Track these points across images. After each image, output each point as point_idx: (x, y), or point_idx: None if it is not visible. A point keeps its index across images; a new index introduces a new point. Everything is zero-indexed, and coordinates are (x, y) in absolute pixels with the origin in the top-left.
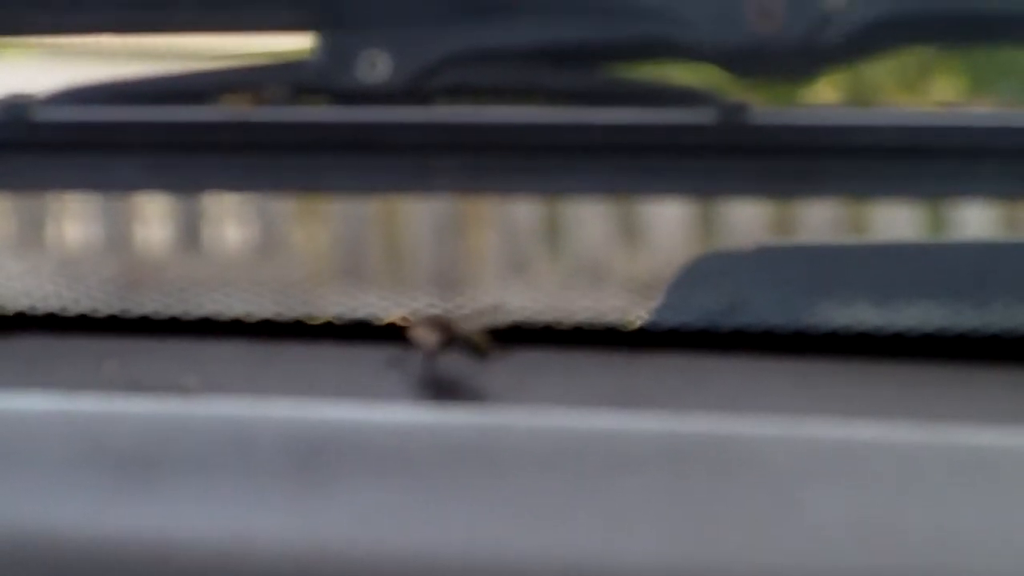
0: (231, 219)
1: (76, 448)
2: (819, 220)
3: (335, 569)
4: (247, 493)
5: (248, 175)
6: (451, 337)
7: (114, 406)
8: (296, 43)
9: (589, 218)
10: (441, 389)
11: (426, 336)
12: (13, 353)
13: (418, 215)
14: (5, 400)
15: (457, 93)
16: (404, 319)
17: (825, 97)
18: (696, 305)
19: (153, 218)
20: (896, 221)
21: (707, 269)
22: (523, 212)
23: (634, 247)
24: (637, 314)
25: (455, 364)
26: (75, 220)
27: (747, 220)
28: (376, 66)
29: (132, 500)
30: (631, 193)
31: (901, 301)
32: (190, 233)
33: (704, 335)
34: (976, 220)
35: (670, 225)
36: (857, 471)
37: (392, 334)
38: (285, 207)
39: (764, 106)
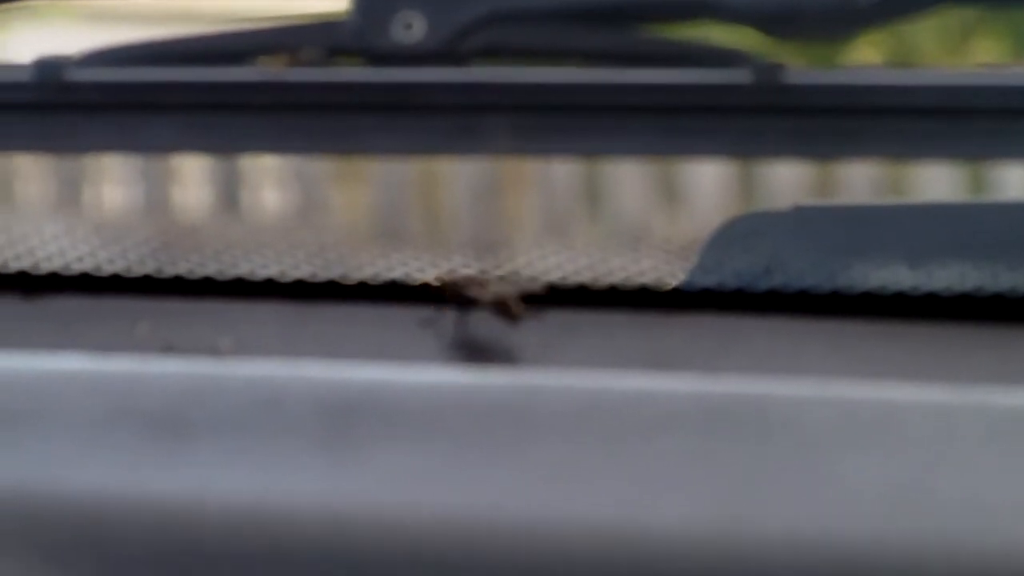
0: (266, 180)
1: (108, 409)
2: (856, 181)
3: (368, 530)
4: (279, 455)
5: (283, 136)
6: (484, 298)
7: (147, 367)
8: (331, 3)
9: (625, 179)
10: (474, 350)
11: (459, 297)
12: (46, 313)
13: (454, 176)
14: (37, 361)
15: (493, 53)
16: (438, 280)
17: (862, 58)
18: (731, 266)
19: (187, 179)
20: (934, 182)
21: (743, 230)
22: (560, 173)
23: (670, 208)
24: (672, 275)
25: (488, 325)
26: (109, 181)
27: (783, 181)
28: (411, 26)
29: (164, 462)
30: (667, 154)
31: (937, 262)
32: (225, 194)
33: (739, 296)
34: (1015, 181)
35: (706, 186)
36: (892, 434)
37: (426, 295)
38: (320, 168)
39: (800, 67)
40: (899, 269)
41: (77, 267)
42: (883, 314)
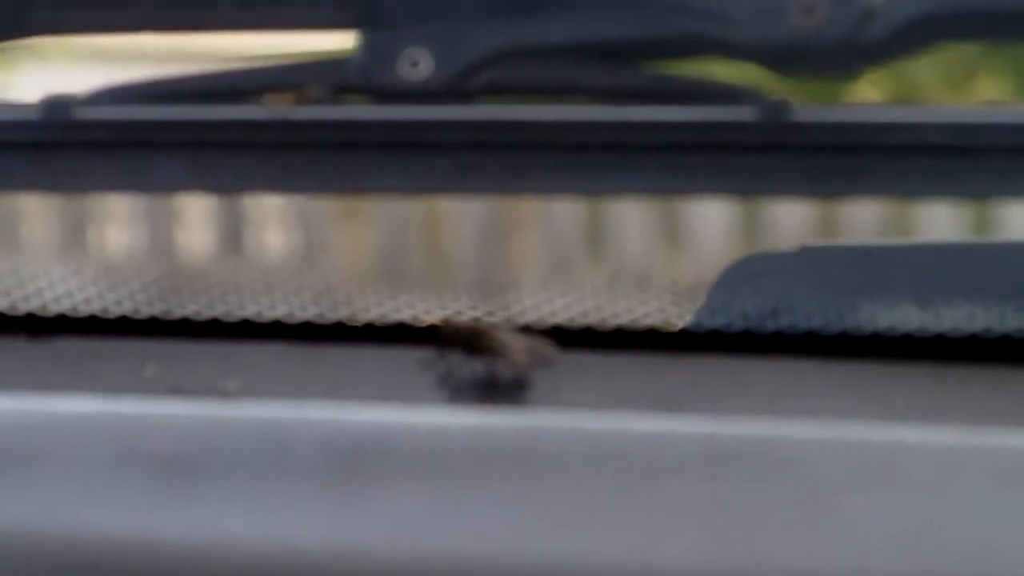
0: (272, 220)
1: (116, 452)
2: (863, 220)
3: (375, 574)
4: (287, 497)
5: (289, 175)
6: (490, 340)
7: (154, 409)
8: (337, 41)
9: (631, 219)
10: (480, 393)
11: (465, 339)
12: (54, 355)
13: (460, 216)
14: (45, 403)
15: (499, 91)
16: (444, 322)
17: (868, 95)
18: (739, 307)
19: (194, 219)
20: (941, 221)
21: (750, 270)
22: (565, 213)
23: (676, 248)
24: (679, 316)
25: (494, 367)
26: (116, 221)
27: (790, 220)
28: (418, 64)
29: (172, 504)
30: (673, 192)
31: (946, 302)
32: (231, 235)
33: (747, 337)
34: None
35: (712, 225)
36: (901, 476)
37: (432, 337)
38: (326, 208)
39: (807, 103)
40: (907, 309)
41: (84, 309)
42: (891, 355)
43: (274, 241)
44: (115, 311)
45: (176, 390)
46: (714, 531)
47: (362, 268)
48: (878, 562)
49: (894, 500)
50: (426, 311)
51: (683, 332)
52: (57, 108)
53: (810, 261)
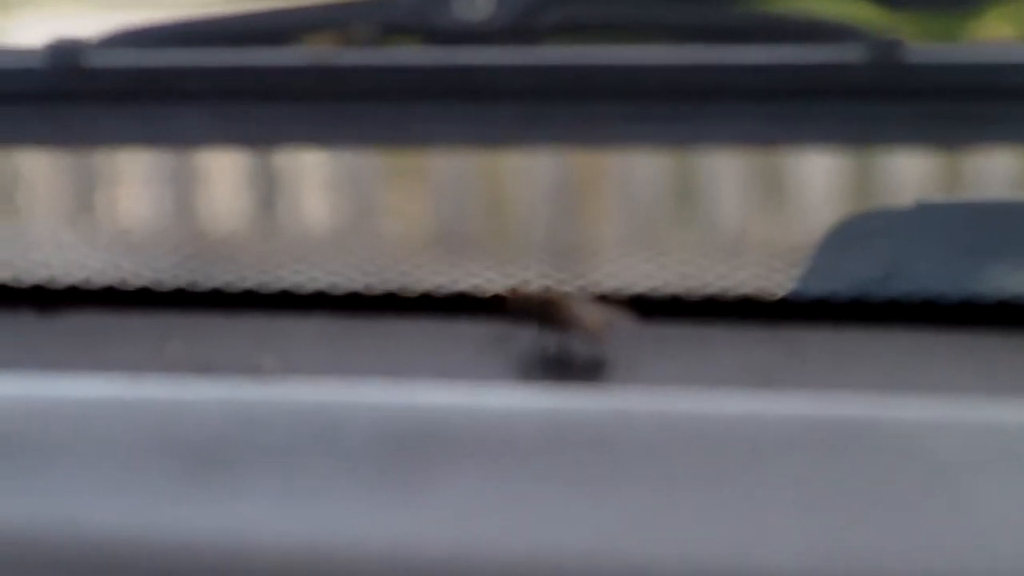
0: (312, 179)
1: (137, 439)
2: (987, 172)
3: (434, 574)
4: (333, 488)
5: (331, 128)
6: (565, 311)
7: (181, 391)
8: None
9: (723, 174)
10: (553, 369)
11: (536, 311)
12: (67, 332)
13: (526, 172)
14: (60, 384)
15: (569, 31)
16: (512, 291)
17: (991, 32)
18: (847, 272)
19: (222, 178)
20: None
21: (859, 230)
22: (648, 167)
23: (776, 206)
24: (779, 284)
25: (569, 342)
26: (133, 180)
27: (904, 173)
28: (475, 2)
29: (202, 496)
30: (771, 144)
31: None
32: (265, 195)
33: (856, 306)
34: None
35: (816, 180)
36: None
37: (498, 308)
38: (374, 164)
39: (921, 43)
40: None
41: (100, 279)
42: (1019, 325)
43: (315, 202)
44: (134, 282)
45: (205, 369)
46: (822, 525)
47: (416, 232)
48: (1010, 555)
49: None
50: (490, 280)
51: (783, 301)
52: (66, 53)
53: (927, 219)
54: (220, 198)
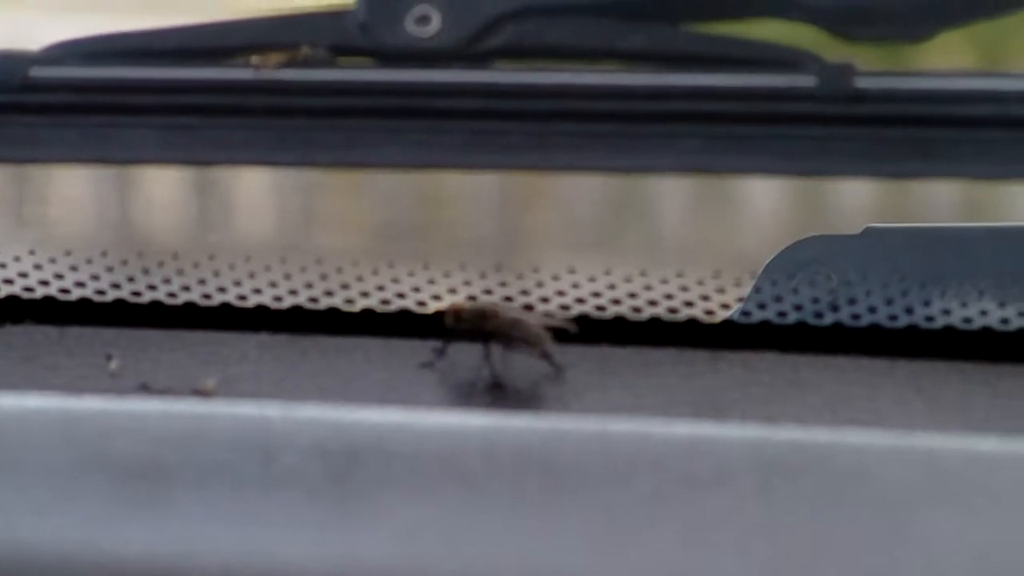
0: (257, 195)
1: (77, 456)
2: (935, 200)
3: None
4: (272, 509)
5: (278, 146)
6: (505, 331)
7: (121, 408)
8: None
9: (670, 196)
10: (493, 391)
11: (477, 329)
12: (6, 345)
13: (472, 192)
14: None
15: (518, 53)
16: (454, 309)
17: (943, 61)
18: (793, 298)
19: (167, 193)
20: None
21: (806, 256)
22: (593, 189)
23: (721, 230)
24: (724, 307)
25: (511, 361)
26: (77, 194)
27: (852, 200)
28: (427, 21)
29: (141, 516)
30: (718, 170)
31: None
32: (210, 211)
33: (802, 332)
34: None
35: (764, 205)
36: (977, 491)
37: (439, 327)
38: (320, 182)
39: (872, 70)
40: (986, 301)
41: (40, 292)
42: (966, 354)
43: (259, 218)
44: (75, 295)
45: (146, 387)
46: (763, 553)
47: (358, 249)
48: None
49: (972, 520)
50: (432, 297)
51: (728, 325)
52: (12, 66)
53: (875, 246)
54: (163, 213)
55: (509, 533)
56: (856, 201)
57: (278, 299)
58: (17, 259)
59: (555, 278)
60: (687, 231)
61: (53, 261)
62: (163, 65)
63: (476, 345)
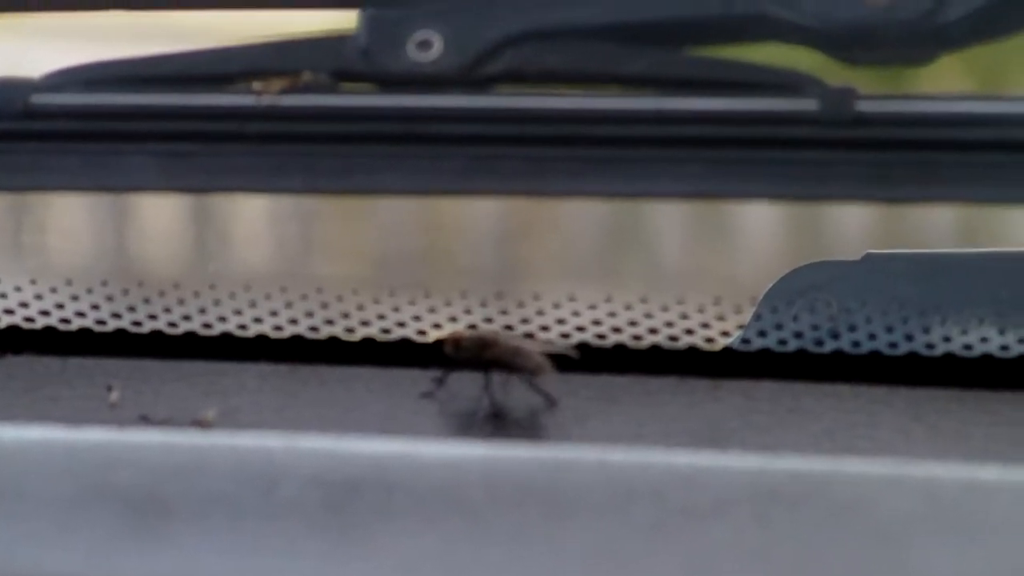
0: (257, 224)
1: (76, 488)
2: (937, 226)
3: None
4: (273, 540)
5: (279, 173)
6: (507, 360)
7: (121, 439)
8: (336, 20)
9: (670, 222)
10: (494, 421)
11: (478, 359)
12: (6, 375)
13: (473, 219)
14: None
15: (520, 78)
16: (454, 339)
17: (945, 85)
18: (792, 325)
19: (168, 221)
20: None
21: (806, 282)
22: (594, 215)
23: (722, 256)
24: (724, 335)
25: (510, 392)
26: (78, 222)
27: (853, 225)
28: (428, 46)
29: (142, 547)
30: (719, 195)
31: None
32: (210, 240)
33: (802, 360)
34: None
35: (764, 231)
36: (979, 521)
37: (440, 356)
38: (321, 209)
39: (874, 94)
40: (986, 328)
41: (40, 322)
42: (968, 381)
43: (259, 247)
44: (76, 324)
45: (146, 418)
46: None
47: (359, 278)
48: None
49: (970, 547)
50: (433, 326)
51: (728, 353)
52: (13, 93)
53: (875, 272)
54: (163, 242)
55: (509, 563)
56: (856, 226)
57: (278, 328)
58: (18, 289)
59: (556, 306)
60: (687, 257)
61: (54, 291)
62: (164, 91)
63: (477, 374)
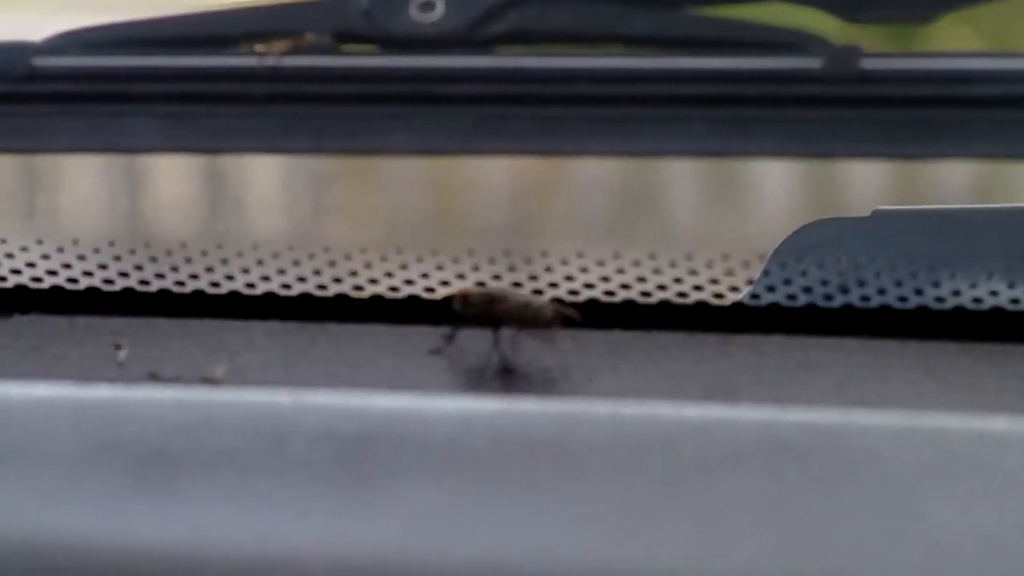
0: (263, 183)
1: (86, 445)
2: (944, 182)
3: None
4: (282, 495)
5: (283, 133)
6: (515, 316)
7: (130, 396)
8: None
9: (678, 180)
10: (504, 376)
11: (487, 315)
12: (14, 335)
13: (479, 178)
14: (7, 389)
15: (523, 38)
16: (462, 295)
17: (950, 42)
18: (802, 281)
19: (173, 182)
20: None
21: (815, 239)
22: (601, 173)
23: (730, 213)
24: (733, 290)
25: (520, 347)
26: (83, 183)
27: (861, 182)
28: (430, 7)
29: (151, 503)
30: (725, 153)
31: None
32: (216, 199)
33: (811, 314)
34: None
35: (772, 188)
36: (988, 470)
37: (448, 312)
38: (326, 169)
39: (879, 52)
40: (994, 282)
41: (48, 282)
42: (977, 334)
43: (266, 206)
44: (83, 284)
45: (155, 375)
46: (775, 535)
47: (366, 236)
48: (964, 566)
49: (983, 499)
50: (441, 283)
51: (738, 308)
52: (15, 56)
53: (883, 228)
54: (170, 202)
55: (520, 517)
56: (864, 183)
57: (286, 286)
58: (24, 249)
59: (564, 263)
60: (695, 214)
61: (61, 251)
62: (167, 53)
63: (486, 331)
